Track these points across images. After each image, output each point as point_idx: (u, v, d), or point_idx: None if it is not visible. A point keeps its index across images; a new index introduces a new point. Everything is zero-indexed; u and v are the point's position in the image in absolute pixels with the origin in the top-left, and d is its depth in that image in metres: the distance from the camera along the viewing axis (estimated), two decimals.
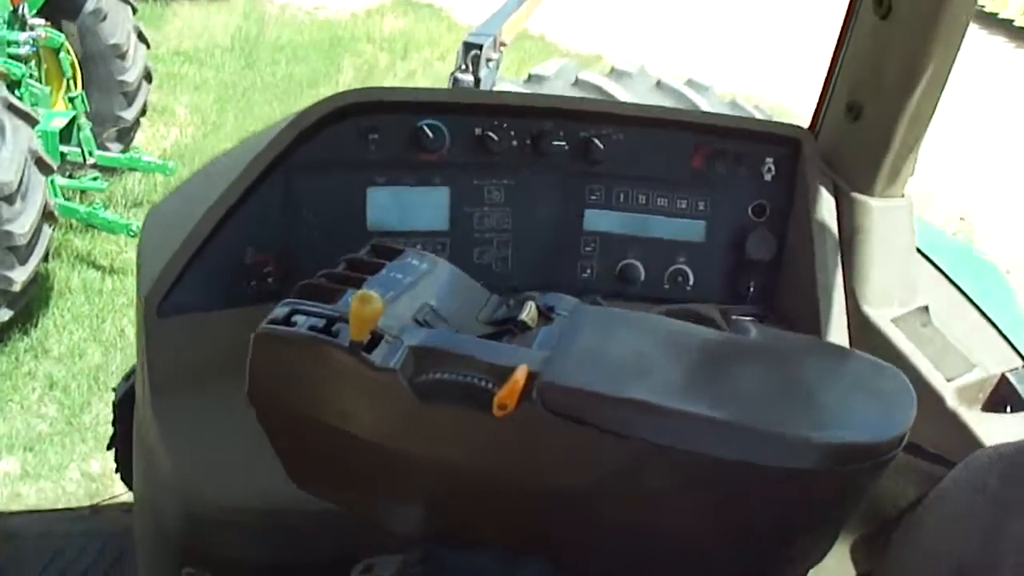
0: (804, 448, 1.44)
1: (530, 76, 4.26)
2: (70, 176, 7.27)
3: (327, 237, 2.13)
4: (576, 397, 1.46)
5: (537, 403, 1.45)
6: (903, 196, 2.16)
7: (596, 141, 2.20)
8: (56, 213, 6.32)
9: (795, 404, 1.51)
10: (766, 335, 1.64)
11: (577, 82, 4.15)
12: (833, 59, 2.18)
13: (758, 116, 4.26)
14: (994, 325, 2.18)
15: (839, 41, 2.16)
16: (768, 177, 2.24)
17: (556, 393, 1.45)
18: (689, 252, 2.25)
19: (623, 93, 4.06)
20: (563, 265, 2.25)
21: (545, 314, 1.66)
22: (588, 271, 2.25)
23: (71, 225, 7.12)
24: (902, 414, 1.51)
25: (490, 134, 2.18)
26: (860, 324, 2.14)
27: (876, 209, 2.12)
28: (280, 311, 1.52)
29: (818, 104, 2.24)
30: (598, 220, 2.24)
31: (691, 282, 2.25)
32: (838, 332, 2.14)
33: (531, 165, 2.22)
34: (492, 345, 1.54)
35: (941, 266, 2.29)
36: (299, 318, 1.51)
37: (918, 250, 2.28)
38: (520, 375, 1.44)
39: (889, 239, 2.14)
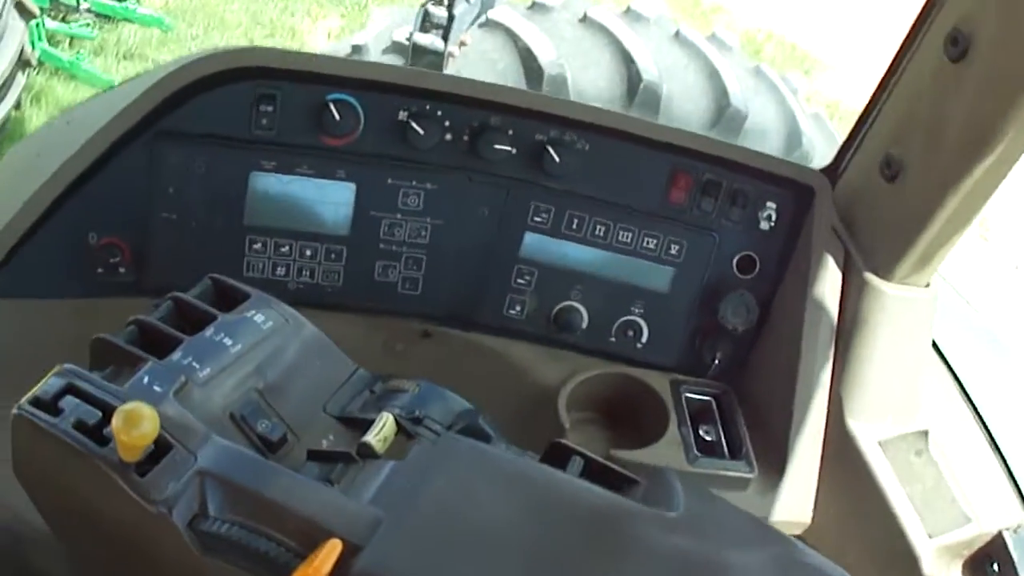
0: None
1: (534, 3, 3.72)
2: (63, 19, 6.77)
3: (194, 226, 1.68)
4: None
5: None
6: (927, 286, 1.69)
7: (551, 150, 1.69)
8: (34, 60, 5.88)
9: None
10: (691, 506, 1.21)
11: (585, 19, 3.62)
12: (875, 95, 1.68)
13: (783, 88, 3.76)
14: (1006, 464, 1.74)
15: (887, 74, 1.66)
16: (765, 226, 1.76)
17: None
18: (648, 303, 1.79)
19: (634, 40, 3.55)
20: (487, 298, 1.78)
21: (407, 430, 1.24)
22: (517, 309, 1.78)
23: (57, 71, 6.57)
24: None
25: (416, 123, 1.66)
26: (839, 439, 1.70)
27: (891, 299, 1.65)
28: (51, 384, 1.11)
29: (844, 144, 1.76)
30: (539, 247, 1.76)
31: (643, 339, 1.79)
32: (809, 444, 1.70)
33: (464, 167, 1.72)
34: (310, 488, 1.12)
35: (959, 374, 1.83)
36: (70, 401, 1.10)
37: (934, 346, 1.83)
38: (328, 555, 1.04)
39: (899, 340, 1.68)
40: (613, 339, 1.78)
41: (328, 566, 1.03)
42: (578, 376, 1.76)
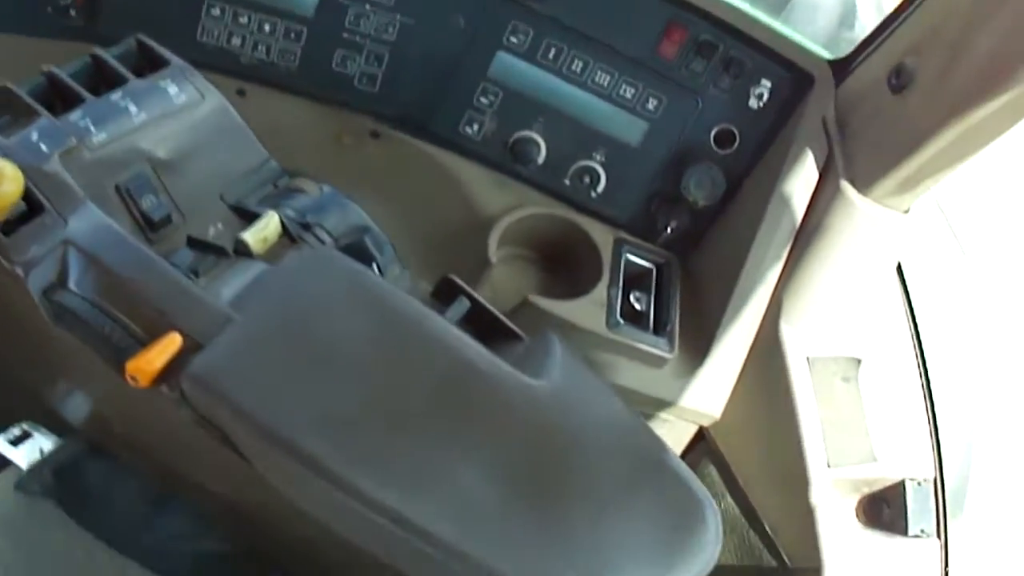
0: None
1: None
2: None
3: None
4: (226, 411, 0.99)
5: (176, 392, 1.01)
6: (906, 212, 1.55)
7: None
8: None
9: (544, 531, 1.04)
10: (562, 379, 1.13)
11: None
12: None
13: None
14: (934, 416, 1.62)
15: None
16: (754, 104, 1.62)
17: (201, 393, 0.99)
18: (611, 153, 1.67)
19: None
20: (445, 109, 1.66)
21: (292, 234, 1.18)
22: (474, 128, 1.66)
23: None
24: (684, 572, 1.07)
25: None
26: (767, 342, 1.60)
27: (861, 215, 1.51)
28: None
29: (864, 41, 1.58)
30: (510, 70, 1.63)
31: (599, 189, 1.67)
32: (738, 338, 1.60)
33: None
34: (168, 277, 1.05)
35: (917, 313, 1.70)
36: None
37: (901, 279, 1.70)
38: (164, 348, 0.99)
39: (858, 259, 1.54)
40: (568, 182, 1.67)
41: (162, 360, 0.98)
42: (521, 211, 1.67)
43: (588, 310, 1.59)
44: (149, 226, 1.16)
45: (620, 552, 1.07)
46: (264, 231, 1.15)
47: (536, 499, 1.05)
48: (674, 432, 1.69)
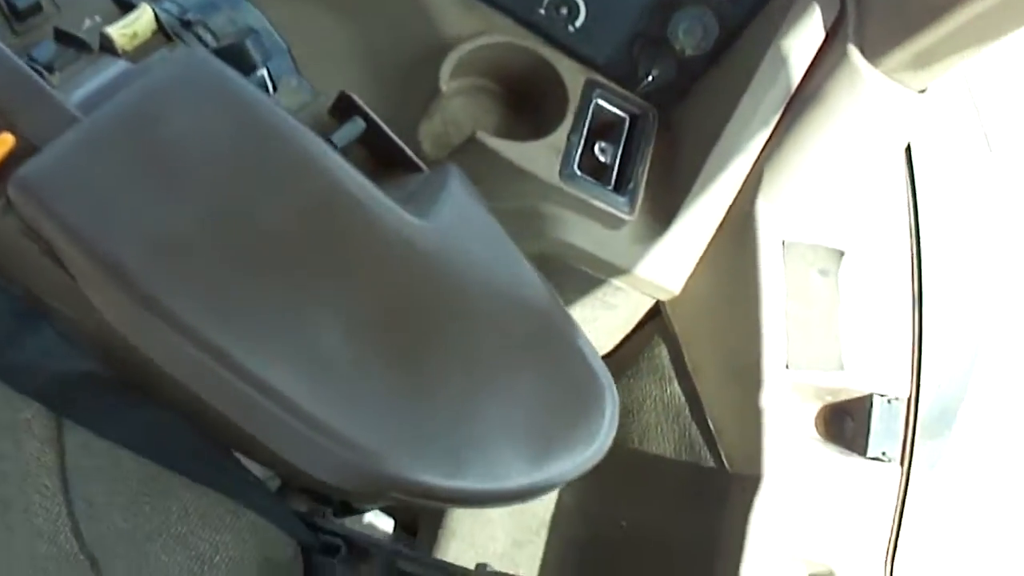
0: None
1: None
2: None
3: None
4: (48, 223, 0.85)
5: (3, 199, 0.87)
6: (921, 92, 1.31)
7: None
8: None
9: (405, 397, 0.91)
10: (450, 221, 0.98)
11: None
12: None
13: None
14: (920, 328, 1.42)
15: None
16: None
17: (25, 201, 0.85)
18: None
19: None
20: None
21: (167, 31, 1.02)
22: None
23: None
24: (565, 459, 0.96)
25: None
26: (740, 218, 1.40)
27: (866, 86, 1.28)
28: None
29: None
30: None
31: (577, 22, 1.44)
32: (708, 209, 1.40)
33: None
34: (12, 70, 0.90)
35: (921, 212, 1.47)
36: None
37: (908, 163, 1.48)
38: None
39: (856, 137, 1.33)
40: (543, 11, 1.44)
41: None
42: (485, 37, 1.45)
43: (542, 155, 1.39)
44: (15, 15, 1.03)
45: (492, 429, 0.93)
46: (133, 25, 1.01)
47: (400, 359, 0.91)
48: (628, 303, 1.50)
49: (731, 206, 1.41)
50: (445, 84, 1.40)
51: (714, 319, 1.43)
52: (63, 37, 1.01)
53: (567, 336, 0.99)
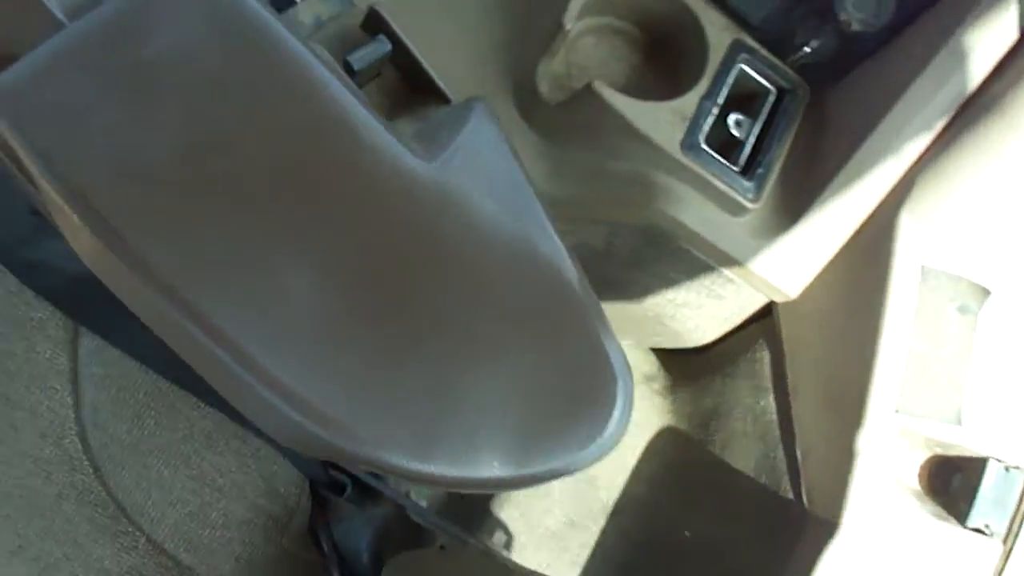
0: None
1: None
2: None
3: None
4: (13, 138, 0.75)
5: None
6: None
7: None
8: None
9: (380, 366, 0.79)
10: (460, 164, 0.83)
11: None
12: None
13: None
14: None
15: None
16: None
17: (4, 109, 0.76)
18: None
19: None
20: None
21: None
22: None
23: None
24: (553, 456, 0.82)
25: None
26: (877, 229, 1.21)
27: None
28: None
29: None
30: None
31: None
32: (843, 213, 1.21)
33: None
34: None
35: None
36: None
37: None
38: None
39: None
40: None
41: None
42: None
43: (666, 119, 1.21)
44: None
45: (472, 408, 0.80)
46: None
47: (377, 321, 0.79)
48: (737, 297, 1.34)
49: (871, 214, 1.22)
50: (571, 22, 1.23)
51: (826, 337, 1.26)
52: None
53: (581, 313, 0.85)
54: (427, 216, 0.80)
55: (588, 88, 1.19)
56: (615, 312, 1.44)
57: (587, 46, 1.30)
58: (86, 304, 1.15)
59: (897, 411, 1.15)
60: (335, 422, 0.76)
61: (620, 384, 0.84)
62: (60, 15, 0.79)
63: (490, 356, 0.81)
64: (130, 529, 1.24)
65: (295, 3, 0.96)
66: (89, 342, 1.23)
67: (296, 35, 0.81)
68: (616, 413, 0.83)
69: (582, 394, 0.83)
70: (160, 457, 1.22)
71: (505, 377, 0.81)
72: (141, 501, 1.24)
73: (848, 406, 1.18)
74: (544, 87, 1.26)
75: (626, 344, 1.58)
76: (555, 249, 0.85)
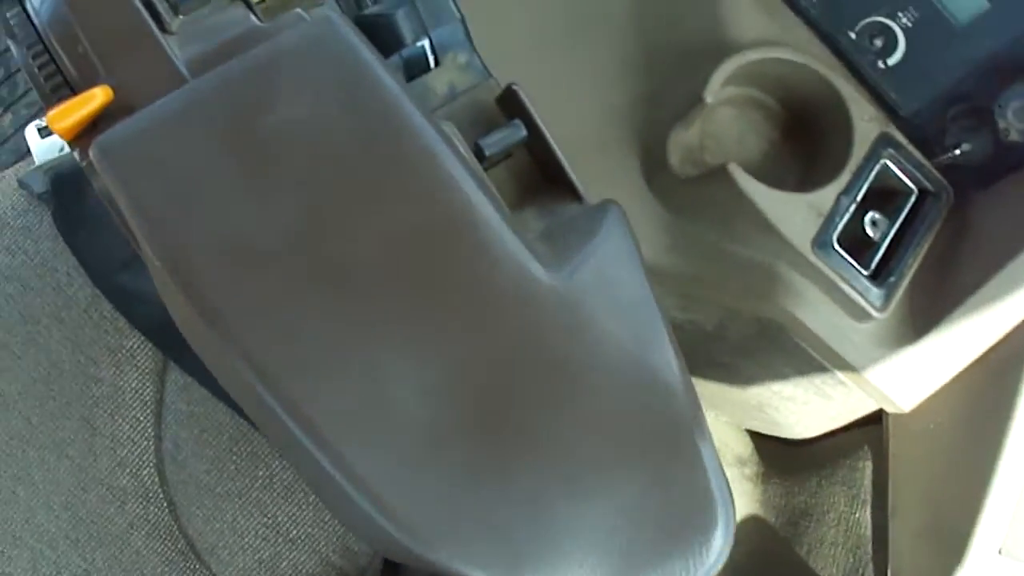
0: None
1: None
2: None
3: None
4: (120, 199, 0.72)
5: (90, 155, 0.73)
6: None
7: None
8: None
9: (483, 486, 0.73)
10: (602, 278, 0.78)
11: None
12: None
13: None
14: None
15: None
16: None
17: (108, 172, 0.72)
18: (925, 20, 1.17)
19: None
20: None
21: None
22: None
23: None
24: None
25: None
26: (1008, 357, 1.14)
27: None
28: None
29: None
30: None
31: (891, 59, 1.17)
32: (971, 333, 1.14)
33: None
34: (126, 10, 0.78)
35: None
36: None
37: None
38: (81, 103, 0.75)
39: None
40: (854, 35, 1.19)
41: (75, 117, 0.75)
42: (776, 50, 1.20)
43: (800, 214, 1.15)
44: None
45: (567, 535, 0.75)
46: None
47: (481, 432, 0.74)
48: (847, 400, 1.27)
49: (1003, 338, 1.15)
50: (712, 96, 1.17)
51: (937, 458, 1.19)
52: None
53: (692, 444, 0.79)
54: (548, 330, 0.76)
55: (723, 169, 1.13)
56: (716, 391, 1.38)
57: (725, 117, 1.24)
58: (177, 341, 1.13)
59: (1000, 552, 1.09)
60: (422, 532, 0.72)
61: (721, 522, 0.79)
62: (183, 68, 0.76)
63: (595, 483, 0.76)
64: (198, 567, 1.22)
65: (430, 69, 0.92)
66: (178, 377, 1.22)
67: (428, 115, 0.76)
68: (713, 554, 0.78)
69: (684, 524, 0.78)
70: (236, 501, 1.20)
71: (607, 505, 0.76)
72: (212, 542, 1.22)
73: (950, 538, 1.11)
74: (674, 158, 1.21)
75: (722, 421, 1.52)
76: (674, 372, 0.80)
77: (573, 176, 0.90)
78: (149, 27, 0.78)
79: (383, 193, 0.73)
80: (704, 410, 0.82)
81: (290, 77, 0.74)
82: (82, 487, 1.23)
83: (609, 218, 0.82)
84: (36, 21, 0.80)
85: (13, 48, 0.81)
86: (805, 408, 1.32)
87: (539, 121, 0.87)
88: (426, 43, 0.91)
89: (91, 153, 0.72)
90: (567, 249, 0.79)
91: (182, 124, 0.72)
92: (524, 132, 0.87)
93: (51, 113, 0.75)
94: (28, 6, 0.81)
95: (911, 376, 1.19)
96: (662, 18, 1.25)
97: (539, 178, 0.93)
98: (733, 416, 1.50)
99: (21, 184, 1.33)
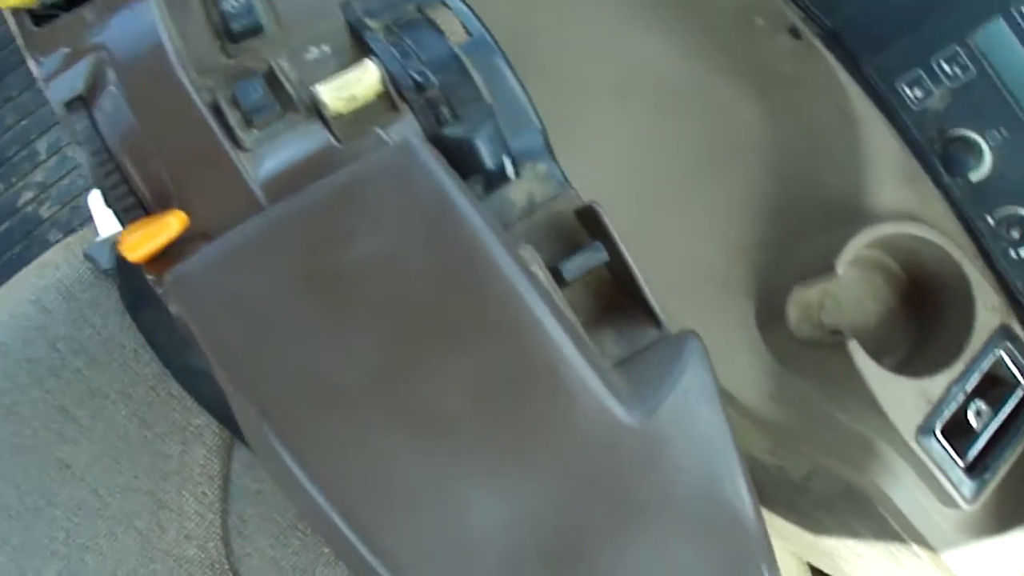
0: None
1: None
2: None
3: None
4: (196, 334, 0.72)
5: (165, 287, 0.74)
6: None
7: None
8: None
9: None
10: (671, 420, 0.77)
11: None
12: None
13: None
14: None
15: None
16: None
17: (183, 305, 0.72)
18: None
19: None
20: (892, 52, 1.16)
21: (394, 96, 0.84)
22: (915, 93, 1.17)
23: None
24: None
25: None
26: None
27: None
28: None
29: None
30: (1000, 45, 1.13)
31: (1023, 252, 1.19)
32: None
33: None
34: (201, 131, 0.77)
35: None
36: None
37: None
38: (157, 231, 0.74)
39: None
40: (991, 221, 1.19)
41: (149, 246, 0.74)
42: (912, 226, 1.20)
43: (909, 398, 1.15)
44: (228, 35, 0.85)
45: None
46: (353, 88, 0.82)
47: (558, 568, 0.74)
48: (918, 571, 1.28)
49: None
50: (844, 268, 1.17)
51: None
52: (275, 84, 0.83)
53: None
54: (625, 469, 0.76)
55: (842, 346, 1.14)
56: (788, 528, 1.39)
57: (848, 279, 1.24)
58: None
59: None
60: None
61: None
62: (258, 191, 0.76)
63: None
64: None
65: (509, 180, 0.90)
66: (244, 455, 1.24)
67: (511, 246, 0.76)
68: None
69: None
70: None
71: None
72: None
73: None
74: (792, 314, 1.21)
75: (787, 551, 1.53)
76: (746, 513, 0.81)
77: (653, 302, 0.89)
78: (222, 145, 0.78)
79: (465, 332, 0.74)
80: (772, 538, 0.83)
81: (370, 208, 0.74)
82: (149, 558, 1.26)
83: (690, 352, 0.82)
84: (104, 131, 0.79)
85: (79, 152, 0.80)
86: (874, 566, 1.33)
87: (620, 243, 0.86)
88: (506, 158, 0.89)
89: (167, 285, 0.72)
90: (647, 385, 0.79)
91: (258, 257, 0.72)
92: (605, 255, 0.86)
93: (126, 241, 0.75)
94: (96, 114, 0.80)
95: (988, 565, 1.20)
96: (800, 167, 1.24)
97: (617, 295, 0.92)
98: (799, 550, 1.51)
99: (87, 257, 1.34)
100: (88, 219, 2.63)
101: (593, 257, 0.87)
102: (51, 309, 1.35)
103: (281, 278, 0.73)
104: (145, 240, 0.74)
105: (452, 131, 0.84)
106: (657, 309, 0.90)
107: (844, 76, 1.20)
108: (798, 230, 1.23)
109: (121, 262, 1.30)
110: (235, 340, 0.72)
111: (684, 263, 1.21)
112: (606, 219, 0.88)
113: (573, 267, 0.87)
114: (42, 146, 2.71)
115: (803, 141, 1.24)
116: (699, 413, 0.81)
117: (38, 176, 2.68)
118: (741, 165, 1.25)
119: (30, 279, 1.42)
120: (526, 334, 0.74)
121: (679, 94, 1.25)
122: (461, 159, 0.85)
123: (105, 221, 1.35)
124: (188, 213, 0.76)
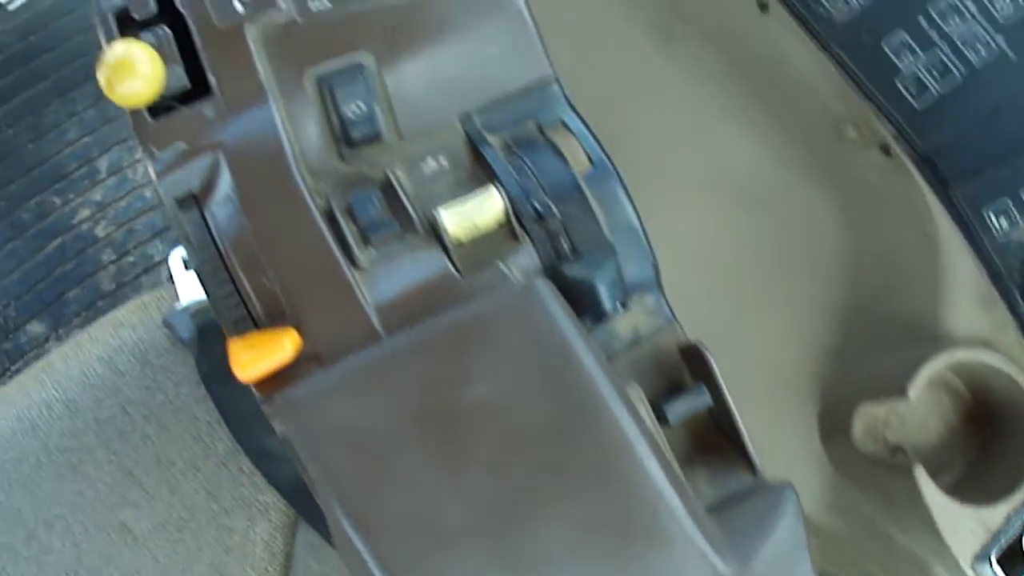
0: None
1: None
2: None
3: None
4: (310, 464, 0.72)
5: (273, 408, 0.74)
6: None
7: None
8: None
9: None
10: (783, 570, 0.78)
11: None
12: None
13: None
14: None
15: None
16: None
17: (290, 431, 0.72)
18: None
19: None
20: (984, 180, 1.16)
21: (515, 226, 0.83)
22: (1002, 225, 1.16)
23: None
24: None
25: None
26: None
27: None
28: None
29: None
30: None
31: None
32: None
33: None
34: (316, 248, 0.76)
35: None
36: None
37: None
38: (270, 351, 0.73)
39: None
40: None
41: (262, 367, 0.74)
42: (988, 355, 1.19)
43: (968, 526, 1.15)
44: (346, 141, 0.85)
45: None
46: (475, 216, 0.82)
47: None
48: None
49: None
50: (916, 392, 1.18)
51: None
52: (392, 197, 0.82)
53: None
54: None
55: (907, 469, 1.14)
56: None
57: (916, 399, 1.25)
58: (310, 502, 1.17)
59: None
60: None
61: None
62: (374, 318, 0.76)
63: None
64: None
65: (617, 312, 0.90)
66: (308, 534, 1.25)
67: (624, 393, 0.76)
68: None
69: None
70: None
71: None
72: None
73: None
74: (858, 428, 1.22)
75: None
76: None
77: (751, 448, 0.89)
78: (339, 263, 0.77)
79: (574, 477, 0.74)
80: None
81: (491, 349, 0.74)
82: None
83: (786, 504, 0.83)
84: (216, 234, 0.78)
85: (187, 251, 0.79)
86: None
87: (723, 387, 0.87)
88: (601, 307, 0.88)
89: (276, 408, 0.73)
90: (743, 535, 0.79)
91: (374, 390, 0.72)
92: (709, 399, 0.87)
93: (237, 359, 0.74)
94: (207, 215, 0.79)
95: None
96: (877, 282, 1.25)
97: (713, 435, 0.92)
98: None
99: (166, 323, 1.33)
100: (145, 250, 2.62)
101: (698, 401, 0.87)
102: (124, 371, 1.35)
103: (395, 413, 0.72)
104: (258, 360, 0.73)
105: (574, 271, 0.84)
106: (754, 456, 0.90)
107: (931, 198, 1.21)
108: (869, 344, 1.24)
109: (202, 335, 1.31)
110: (344, 470, 0.71)
111: (754, 362, 1.21)
112: (711, 360, 0.88)
113: (678, 411, 0.87)
114: (103, 164, 2.71)
115: (883, 256, 1.25)
116: (791, 567, 0.82)
117: (96, 195, 2.68)
118: (818, 272, 1.25)
119: (103, 336, 1.41)
120: (633, 482, 0.74)
121: (763, 195, 1.26)
122: (579, 297, 0.84)
123: (185, 285, 1.35)
124: (300, 332, 0.75)
